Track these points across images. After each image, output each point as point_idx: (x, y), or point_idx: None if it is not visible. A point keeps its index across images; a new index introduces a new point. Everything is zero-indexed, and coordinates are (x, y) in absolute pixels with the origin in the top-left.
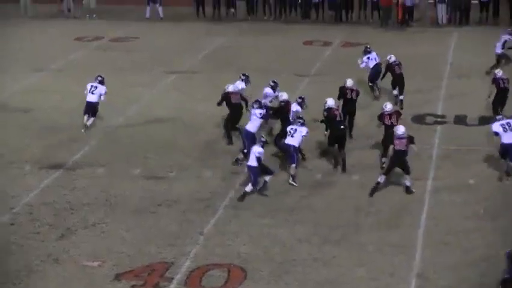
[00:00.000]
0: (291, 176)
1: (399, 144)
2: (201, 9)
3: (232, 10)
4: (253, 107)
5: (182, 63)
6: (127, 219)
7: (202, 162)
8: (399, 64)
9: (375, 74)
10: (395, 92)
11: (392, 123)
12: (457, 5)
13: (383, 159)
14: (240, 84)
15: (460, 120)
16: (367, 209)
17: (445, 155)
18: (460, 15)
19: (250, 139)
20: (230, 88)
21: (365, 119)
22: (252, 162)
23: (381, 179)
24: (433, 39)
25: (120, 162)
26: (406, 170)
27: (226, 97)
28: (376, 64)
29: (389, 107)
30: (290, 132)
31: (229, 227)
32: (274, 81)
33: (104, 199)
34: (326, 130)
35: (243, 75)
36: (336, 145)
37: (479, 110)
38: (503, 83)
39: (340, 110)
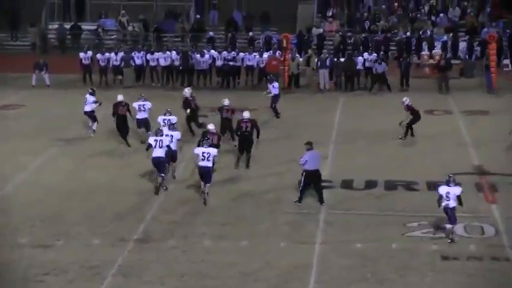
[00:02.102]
0: (207, 193)
1: None
2: (88, 76)
3: (120, 77)
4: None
5: (69, 130)
6: None
7: (90, 229)
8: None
9: (277, 98)
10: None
11: (247, 127)
12: (342, 71)
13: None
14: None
15: (347, 184)
16: (256, 274)
17: (332, 219)
18: (345, 80)
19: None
20: (118, 98)
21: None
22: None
23: None
24: (319, 105)
25: (7, 230)
26: None
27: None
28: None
29: (245, 115)
30: (204, 156)
31: None
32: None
33: None
34: (233, 139)
35: (141, 95)
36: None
37: (366, 174)
38: (413, 107)
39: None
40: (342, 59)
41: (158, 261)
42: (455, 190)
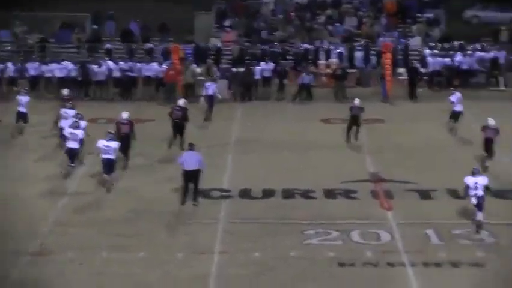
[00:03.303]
0: (113, 184)
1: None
2: None
3: (15, 88)
4: None
5: None
6: None
7: None
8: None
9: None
10: None
11: (179, 114)
12: (240, 81)
13: None
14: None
15: (245, 194)
16: (154, 285)
17: (231, 228)
18: (243, 90)
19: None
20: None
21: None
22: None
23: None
24: (218, 115)
25: None
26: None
27: None
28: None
29: (180, 102)
30: (106, 149)
31: None
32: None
33: None
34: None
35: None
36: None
37: (263, 183)
38: (355, 109)
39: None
40: (240, 69)
41: (56, 274)
42: (483, 180)
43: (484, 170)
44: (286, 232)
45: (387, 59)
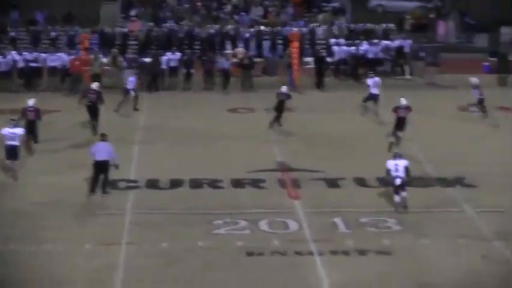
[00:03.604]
0: (18, 170)
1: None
2: None
3: None
4: None
5: None
6: None
7: None
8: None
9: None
10: None
11: (92, 97)
12: (147, 71)
13: None
14: None
15: (152, 184)
16: (61, 278)
17: (138, 219)
18: (150, 80)
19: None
20: None
21: None
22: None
23: None
24: (128, 104)
25: None
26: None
27: None
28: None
29: (93, 86)
30: (11, 136)
31: None
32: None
33: None
34: None
35: None
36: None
37: (171, 173)
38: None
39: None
40: (147, 59)
41: None
42: (403, 162)
43: (397, 143)
44: (194, 222)
45: (295, 47)
